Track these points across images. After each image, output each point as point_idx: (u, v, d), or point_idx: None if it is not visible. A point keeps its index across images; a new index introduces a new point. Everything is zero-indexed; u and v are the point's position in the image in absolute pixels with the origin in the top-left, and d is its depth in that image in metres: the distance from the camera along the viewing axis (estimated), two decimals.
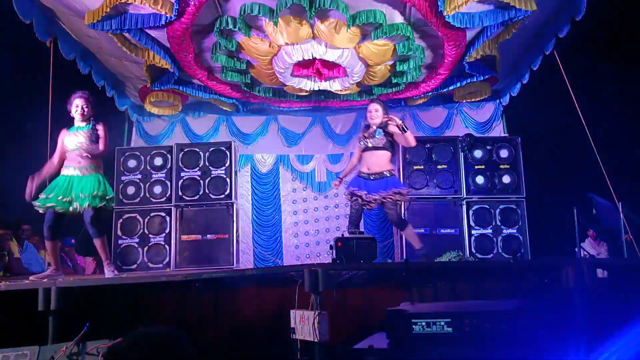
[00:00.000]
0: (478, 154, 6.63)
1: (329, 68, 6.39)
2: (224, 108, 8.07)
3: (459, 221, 6.48)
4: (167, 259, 6.32)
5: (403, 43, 5.87)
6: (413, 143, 4.81)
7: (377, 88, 7.27)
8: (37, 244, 6.41)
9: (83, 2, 5.08)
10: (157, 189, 6.49)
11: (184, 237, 6.39)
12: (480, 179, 6.56)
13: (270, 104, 7.95)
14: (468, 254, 6.26)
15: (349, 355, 3.28)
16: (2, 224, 6.02)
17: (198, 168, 6.53)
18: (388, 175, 4.80)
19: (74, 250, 6.99)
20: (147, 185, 6.49)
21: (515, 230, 6.44)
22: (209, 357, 3.66)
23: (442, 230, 6.46)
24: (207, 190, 6.46)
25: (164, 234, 6.39)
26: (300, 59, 6.09)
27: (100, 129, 4.39)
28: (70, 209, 4.18)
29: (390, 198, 4.72)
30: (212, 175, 6.51)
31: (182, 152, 6.58)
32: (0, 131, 6.22)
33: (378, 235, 7.89)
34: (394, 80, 6.92)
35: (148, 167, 6.55)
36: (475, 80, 6.89)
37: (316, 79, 6.62)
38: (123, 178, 6.50)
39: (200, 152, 6.58)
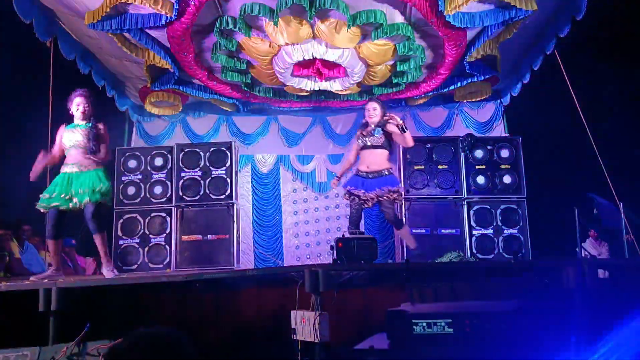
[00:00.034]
0: (479, 154, 6.62)
1: (330, 68, 6.39)
2: (224, 108, 8.06)
3: (460, 221, 6.47)
4: (168, 260, 6.32)
5: (403, 43, 5.86)
6: (411, 143, 4.83)
7: (377, 88, 7.26)
8: (37, 244, 6.41)
9: (83, 2, 5.08)
10: (158, 189, 6.48)
11: (185, 238, 6.38)
12: (481, 179, 6.55)
13: (270, 104, 7.94)
14: (469, 254, 6.26)
15: (350, 356, 3.28)
16: (2, 224, 6.01)
17: (198, 168, 6.52)
18: (387, 173, 4.81)
19: (74, 250, 6.98)
20: (147, 186, 6.49)
21: (516, 231, 6.43)
22: (210, 357, 3.65)
23: (443, 231, 6.45)
24: (207, 191, 6.45)
25: (165, 235, 6.38)
26: (301, 59, 6.09)
27: (101, 128, 4.41)
28: (70, 205, 4.19)
29: (387, 197, 4.73)
30: (212, 176, 6.50)
31: (183, 153, 6.58)
32: (0, 131, 6.21)
33: (379, 235, 7.89)
34: (395, 80, 6.91)
35: (148, 168, 6.55)
36: (475, 80, 6.88)
37: (316, 79, 6.61)
38: (123, 178, 6.50)
39: (201, 153, 6.57)
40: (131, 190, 6.46)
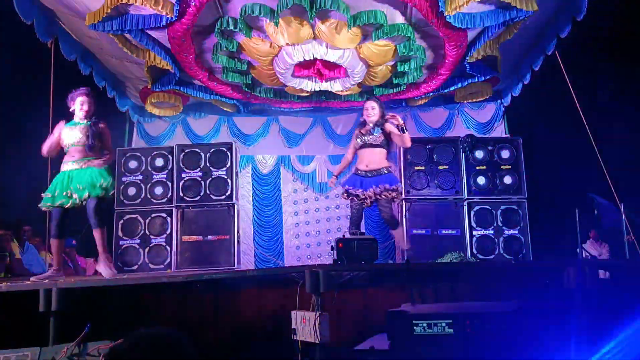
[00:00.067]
0: (479, 154, 6.61)
1: (330, 69, 6.39)
2: (225, 109, 8.07)
3: (460, 222, 6.47)
4: (168, 260, 6.32)
5: (404, 43, 5.86)
6: (409, 144, 4.87)
7: (378, 88, 7.26)
8: (38, 245, 6.41)
9: (84, 2, 5.08)
10: (158, 190, 6.48)
11: (185, 238, 6.38)
12: (481, 180, 6.54)
13: (271, 104, 7.95)
14: (469, 255, 6.25)
15: (350, 356, 3.27)
16: (3, 224, 6.02)
17: (199, 169, 6.52)
18: (385, 172, 4.83)
19: (75, 251, 6.99)
20: (148, 186, 6.49)
21: (516, 231, 6.42)
22: (210, 358, 3.65)
23: (444, 231, 6.44)
24: (208, 191, 6.45)
25: (165, 235, 6.38)
26: (301, 59, 6.09)
27: (102, 127, 4.43)
28: (71, 201, 4.19)
29: (385, 195, 4.73)
30: (213, 176, 6.50)
31: (183, 153, 6.58)
32: (0, 131, 6.22)
33: (379, 236, 7.87)
34: (395, 81, 6.91)
35: (149, 168, 6.55)
36: (476, 80, 6.88)
37: (317, 79, 6.61)
38: (124, 179, 6.50)
39: (201, 153, 6.57)
40: (132, 190, 6.46)
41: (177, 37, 5.54)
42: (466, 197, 6.50)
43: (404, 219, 6.43)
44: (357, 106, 7.93)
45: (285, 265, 8.02)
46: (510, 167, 6.56)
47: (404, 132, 4.71)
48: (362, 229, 5.17)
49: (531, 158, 6.72)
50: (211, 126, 8.54)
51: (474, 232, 6.43)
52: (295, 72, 6.45)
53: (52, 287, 3.65)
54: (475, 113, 8.38)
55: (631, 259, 5.45)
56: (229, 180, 6.48)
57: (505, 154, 6.62)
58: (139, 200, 6.46)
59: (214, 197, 6.44)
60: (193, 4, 5.01)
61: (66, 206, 4.21)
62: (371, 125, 4.89)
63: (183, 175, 6.51)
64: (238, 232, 6.46)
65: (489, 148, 6.65)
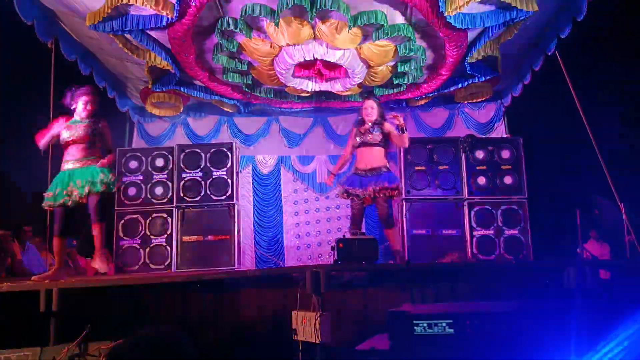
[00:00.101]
0: (479, 154, 6.61)
1: (330, 69, 6.39)
2: (225, 109, 8.07)
3: (461, 222, 6.46)
4: (169, 260, 6.31)
5: (404, 44, 5.86)
6: (407, 144, 4.95)
7: (378, 89, 7.26)
8: (38, 245, 6.41)
9: (84, 3, 5.09)
10: (159, 190, 6.48)
11: (186, 238, 6.38)
12: (481, 180, 6.53)
13: (271, 104, 7.95)
14: (470, 255, 6.25)
15: (351, 357, 3.28)
16: (3, 225, 6.01)
17: (199, 169, 6.52)
18: (384, 170, 4.86)
19: (75, 251, 6.99)
20: (148, 187, 6.49)
21: (517, 231, 6.41)
22: (210, 358, 3.65)
23: (444, 231, 6.44)
24: (208, 192, 6.45)
25: (166, 235, 6.38)
26: (302, 59, 6.09)
27: (104, 126, 4.45)
28: (72, 199, 4.19)
29: (384, 193, 4.73)
30: (213, 176, 6.50)
31: (184, 153, 6.58)
32: (0, 132, 6.22)
33: (380, 236, 7.87)
34: (396, 81, 6.91)
35: (149, 168, 6.55)
36: (476, 81, 6.88)
37: (317, 79, 6.61)
38: (124, 179, 6.50)
39: (202, 153, 6.57)
40: (132, 191, 6.46)
41: (178, 37, 5.55)
42: (466, 197, 6.50)
43: (404, 219, 6.43)
44: (357, 106, 7.87)
45: (286, 266, 8.03)
46: (510, 167, 6.55)
47: (403, 133, 4.74)
48: (363, 229, 5.17)
49: (531, 158, 6.71)
50: (211, 126, 8.54)
51: (475, 232, 6.42)
52: (296, 72, 6.46)
53: (53, 287, 3.66)
54: (476, 113, 8.37)
55: (632, 259, 5.45)
56: (230, 181, 6.48)
57: (505, 154, 6.61)
58: (140, 200, 6.46)
59: (215, 198, 6.44)
60: (193, 4, 5.01)
61: (68, 204, 4.21)
62: (370, 124, 4.91)
63: (183, 175, 6.51)
64: (238, 232, 6.46)
65: (490, 148, 6.65)
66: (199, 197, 6.44)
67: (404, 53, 5.95)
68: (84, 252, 7.13)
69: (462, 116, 8.40)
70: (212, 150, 6.61)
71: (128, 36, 5.62)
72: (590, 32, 5.75)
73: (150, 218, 6.41)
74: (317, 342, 3.21)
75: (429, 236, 6.39)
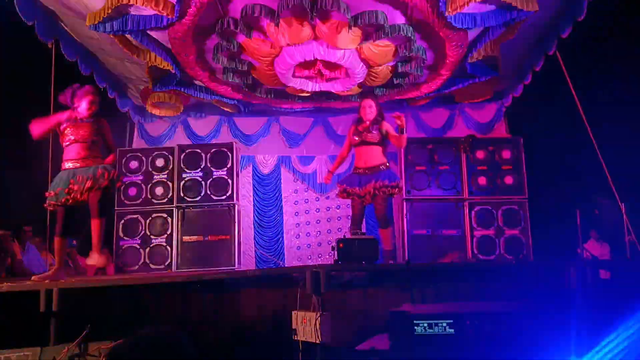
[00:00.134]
0: (480, 154, 6.61)
1: (331, 69, 6.39)
2: (226, 109, 8.07)
3: (461, 222, 6.46)
4: (169, 260, 6.32)
5: (404, 44, 5.86)
6: (404, 145, 4.99)
7: (378, 89, 7.26)
8: (38, 245, 6.42)
9: (85, 3, 5.09)
10: (159, 190, 6.49)
11: (186, 238, 6.38)
12: (482, 180, 6.54)
13: (271, 105, 7.95)
14: (470, 255, 6.25)
15: (351, 357, 3.27)
16: (3, 225, 6.02)
17: (200, 169, 6.52)
18: (384, 168, 4.88)
19: (75, 251, 6.99)
20: (148, 187, 6.49)
21: (517, 231, 6.41)
22: (210, 358, 3.65)
23: (444, 232, 6.44)
24: (208, 192, 6.45)
25: (166, 235, 6.38)
26: (302, 60, 6.09)
27: (106, 125, 4.45)
28: (72, 197, 4.17)
29: (384, 191, 4.74)
30: (213, 176, 6.50)
31: (184, 153, 6.58)
32: (1, 132, 6.22)
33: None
34: (396, 81, 6.91)
35: (150, 169, 6.56)
36: (477, 81, 6.88)
37: (318, 80, 6.61)
38: (125, 179, 6.50)
39: (202, 153, 6.57)
40: (132, 191, 6.47)
41: (178, 37, 5.55)
42: (467, 197, 6.50)
43: (405, 219, 6.43)
44: (357, 106, 7.92)
45: (286, 266, 8.03)
46: (511, 167, 6.55)
47: (402, 133, 4.75)
48: (363, 229, 5.17)
49: (532, 158, 6.71)
50: (212, 126, 8.53)
51: (475, 233, 6.42)
52: (296, 72, 6.45)
53: (53, 287, 3.66)
54: (476, 113, 8.36)
55: (632, 259, 5.45)
56: (230, 181, 6.48)
57: (506, 154, 6.61)
58: (140, 200, 6.46)
59: (215, 198, 6.44)
60: (194, 4, 5.02)
61: (69, 203, 4.20)
62: (368, 123, 4.92)
63: (184, 175, 6.52)
64: (239, 232, 6.46)
65: (490, 148, 6.65)
66: (199, 197, 6.44)
67: (404, 53, 5.95)
68: (84, 252, 7.11)
69: (463, 116, 8.40)
70: (213, 150, 6.61)
71: (128, 36, 5.62)
72: (591, 32, 5.75)
73: (150, 218, 6.42)
74: (317, 342, 3.21)
75: (429, 236, 6.39)
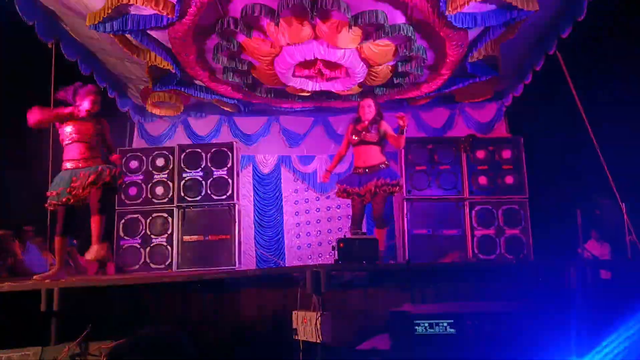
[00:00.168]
0: (480, 154, 6.61)
1: (331, 68, 6.39)
2: (226, 109, 8.07)
3: (462, 222, 6.47)
4: (169, 260, 6.33)
5: (405, 43, 5.86)
6: (402, 146, 4.99)
7: (379, 88, 7.26)
8: (39, 245, 6.42)
9: (85, 3, 5.09)
10: (159, 190, 6.50)
11: (186, 238, 6.39)
12: (482, 180, 6.54)
13: (272, 104, 7.95)
14: (471, 255, 6.25)
15: (352, 356, 3.28)
16: (4, 225, 6.02)
17: (200, 169, 6.53)
18: (383, 167, 4.89)
19: (76, 250, 6.99)
20: (149, 186, 6.50)
21: (518, 231, 6.41)
22: (211, 358, 3.65)
23: (445, 231, 6.44)
24: (209, 191, 6.46)
25: (166, 235, 6.39)
26: (302, 59, 6.09)
27: (107, 126, 4.44)
28: (74, 196, 4.16)
29: (384, 189, 4.74)
30: (214, 176, 6.51)
31: (184, 153, 6.59)
32: (1, 132, 6.22)
33: None
34: (396, 81, 6.91)
35: (150, 168, 6.56)
36: (477, 80, 6.87)
37: (318, 79, 6.61)
38: (125, 179, 6.50)
39: (202, 153, 6.58)
40: (133, 190, 6.48)
41: (178, 37, 5.54)
42: (467, 197, 6.50)
43: (405, 219, 6.43)
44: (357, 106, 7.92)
45: (286, 265, 8.03)
46: (511, 166, 6.56)
47: (402, 134, 4.76)
48: (364, 229, 5.17)
49: (532, 158, 6.71)
50: (212, 126, 8.53)
51: (475, 232, 6.43)
52: (296, 72, 6.45)
53: (54, 286, 3.66)
54: (476, 113, 8.35)
55: (633, 259, 5.45)
56: (230, 180, 6.49)
57: (506, 153, 6.62)
58: (140, 200, 6.47)
59: (215, 197, 6.45)
60: (194, 4, 5.01)
61: (70, 202, 4.18)
62: (367, 123, 4.93)
63: (184, 175, 6.53)
64: (239, 232, 6.47)
65: (490, 148, 6.65)
66: (200, 197, 6.45)
67: (405, 53, 5.95)
68: (84, 252, 7.13)
69: (463, 116, 8.39)
70: (213, 150, 6.62)
71: (128, 36, 5.62)
72: (591, 32, 5.75)
73: (150, 218, 6.43)
74: (318, 342, 3.21)
75: (429, 236, 6.39)
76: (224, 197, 6.44)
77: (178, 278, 4.22)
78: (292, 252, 8.58)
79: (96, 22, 5.09)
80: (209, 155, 6.56)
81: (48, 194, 4.24)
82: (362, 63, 6.26)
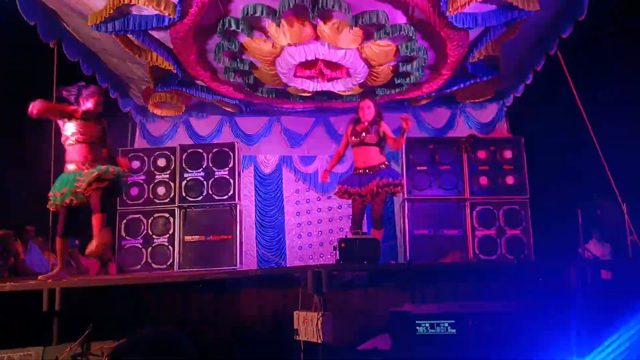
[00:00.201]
0: (481, 154, 6.61)
1: (332, 69, 6.39)
2: (227, 109, 8.07)
3: (463, 222, 6.47)
4: (171, 260, 6.34)
5: (406, 44, 5.86)
6: (401, 148, 4.97)
7: (380, 89, 7.26)
8: (41, 244, 6.43)
9: (87, 3, 5.10)
10: (161, 190, 6.51)
11: (188, 238, 6.40)
12: (483, 180, 6.54)
13: (273, 104, 7.95)
14: (471, 255, 6.25)
15: (353, 356, 3.28)
16: (5, 224, 6.03)
17: (201, 169, 6.54)
18: (384, 167, 4.90)
19: (77, 250, 7.00)
20: (150, 186, 6.51)
21: (519, 231, 6.41)
22: (211, 358, 3.66)
23: (446, 232, 6.44)
24: (210, 191, 6.47)
25: (168, 235, 6.40)
26: (303, 59, 6.10)
27: (106, 127, 4.46)
28: (75, 196, 4.15)
29: (386, 189, 4.75)
30: (215, 176, 6.52)
31: (186, 153, 6.60)
32: (2, 132, 6.23)
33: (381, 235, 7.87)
34: (397, 81, 6.91)
35: (152, 168, 6.57)
36: (478, 80, 6.87)
37: (319, 79, 6.62)
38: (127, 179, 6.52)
39: (204, 153, 6.59)
40: (134, 191, 6.49)
41: (180, 37, 5.55)
42: (468, 197, 6.50)
43: (406, 219, 6.43)
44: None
45: (288, 266, 8.03)
46: (512, 167, 6.56)
47: (402, 136, 4.77)
48: (364, 229, 5.18)
49: (533, 158, 6.71)
50: (213, 126, 8.54)
51: (476, 233, 6.43)
52: (297, 72, 6.46)
53: (56, 287, 3.67)
54: (477, 113, 8.36)
55: (634, 260, 5.44)
56: (231, 180, 6.50)
57: (507, 154, 6.62)
58: (142, 200, 6.49)
59: (217, 197, 6.46)
60: (195, 4, 5.02)
61: (74, 203, 4.17)
62: (367, 124, 4.94)
63: (185, 175, 6.54)
64: (240, 232, 6.48)
65: (491, 148, 6.65)
66: (201, 197, 6.46)
67: (406, 53, 5.95)
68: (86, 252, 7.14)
69: (464, 116, 8.39)
70: (214, 150, 6.63)
71: (130, 36, 5.63)
72: (591, 32, 5.74)
73: (152, 218, 6.44)
74: (319, 342, 3.21)
75: (430, 236, 6.40)
76: (225, 197, 6.45)
77: (179, 278, 4.23)
78: (293, 252, 8.59)
79: (98, 22, 5.10)
80: (210, 156, 6.57)
81: (50, 194, 4.23)
82: (363, 63, 6.27)
